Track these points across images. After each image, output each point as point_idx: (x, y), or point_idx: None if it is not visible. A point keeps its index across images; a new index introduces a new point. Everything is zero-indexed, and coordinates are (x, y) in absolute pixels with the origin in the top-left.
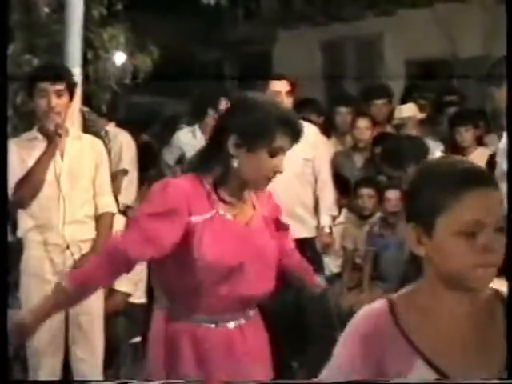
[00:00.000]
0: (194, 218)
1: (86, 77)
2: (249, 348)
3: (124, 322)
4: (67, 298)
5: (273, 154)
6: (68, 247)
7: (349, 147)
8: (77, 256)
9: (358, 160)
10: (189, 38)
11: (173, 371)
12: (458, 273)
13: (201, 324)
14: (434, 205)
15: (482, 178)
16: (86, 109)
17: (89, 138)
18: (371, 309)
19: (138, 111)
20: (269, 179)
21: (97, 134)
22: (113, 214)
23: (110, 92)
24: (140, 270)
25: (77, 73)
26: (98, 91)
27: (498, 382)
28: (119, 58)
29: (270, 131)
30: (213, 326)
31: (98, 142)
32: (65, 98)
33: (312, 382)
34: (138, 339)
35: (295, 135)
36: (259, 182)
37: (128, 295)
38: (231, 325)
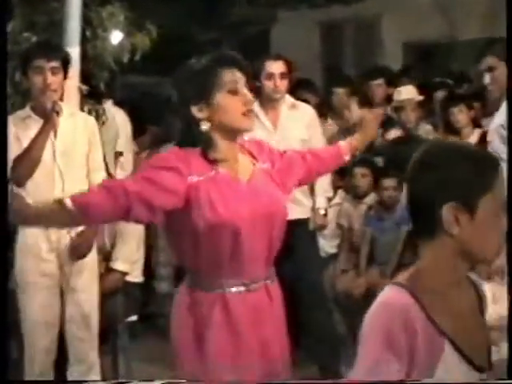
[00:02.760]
0: (196, 178)
1: (84, 55)
2: (275, 309)
3: (121, 300)
4: (67, 215)
5: (232, 91)
6: None
7: (344, 127)
8: (73, 234)
9: None
10: (187, 17)
11: (203, 344)
12: (489, 251)
13: (229, 289)
14: (479, 185)
15: (499, 161)
16: (84, 87)
17: (81, 115)
18: (396, 300)
19: (135, 91)
20: (245, 115)
21: (96, 112)
22: None
23: (108, 70)
24: (137, 249)
25: (75, 51)
26: (96, 69)
27: (498, 381)
28: (117, 36)
29: (212, 75)
30: (242, 288)
31: (91, 119)
32: (60, 76)
33: (313, 382)
34: (134, 318)
35: (238, 65)
36: (238, 123)
37: (125, 274)
38: (258, 286)
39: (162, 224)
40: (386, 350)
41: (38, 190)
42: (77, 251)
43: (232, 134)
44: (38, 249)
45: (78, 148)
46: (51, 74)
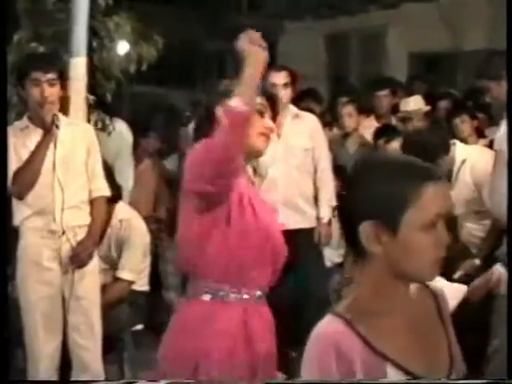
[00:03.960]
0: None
1: (91, 65)
2: (269, 326)
3: (127, 309)
4: None
5: (260, 113)
6: (64, 233)
7: (339, 135)
8: (73, 242)
9: (351, 146)
10: (193, 28)
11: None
12: (420, 267)
13: (233, 297)
14: (399, 200)
15: (433, 171)
16: (91, 97)
17: (79, 123)
18: (327, 331)
19: (142, 101)
20: (262, 136)
21: (102, 123)
22: (106, 198)
23: (115, 81)
24: (143, 258)
25: (82, 61)
26: (103, 80)
27: (498, 382)
28: (124, 47)
29: None
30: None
31: (89, 127)
32: (57, 87)
33: (314, 382)
34: (140, 327)
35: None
36: (253, 141)
37: (131, 283)
38: (258, 299)
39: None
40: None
41: (39, 200)
42: (78, 259)
43: (246, 152)
44: (39, 257)
45: (76, 156)
46: (48, 86)
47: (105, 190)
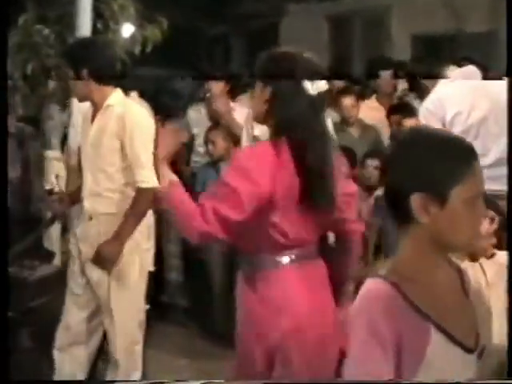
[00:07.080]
0: None
1: None
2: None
3: None
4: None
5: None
6: (91, 218)
7: (339, 122)
8: (100, 228)
9: (354, 131)
10: (197, 10)
11: None
12: (463, 238)
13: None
14: (451, 175)
15: (476, 151)
16: None
17: (118, 108)
18: (377, 291)
19: (146, 83)
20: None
21: None
22: (151, 190)
23: (120, 63)
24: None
25: None
26: None
27: (498, 381)
28: (129, 29)
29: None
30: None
31: (125, 113)
32: None
33: (313, 382)
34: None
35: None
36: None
37: None
38: None
39: None
40: (371, 341)
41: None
42: (99, 261)
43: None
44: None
45: (104, 143)
46: None
47: (148, 182)
